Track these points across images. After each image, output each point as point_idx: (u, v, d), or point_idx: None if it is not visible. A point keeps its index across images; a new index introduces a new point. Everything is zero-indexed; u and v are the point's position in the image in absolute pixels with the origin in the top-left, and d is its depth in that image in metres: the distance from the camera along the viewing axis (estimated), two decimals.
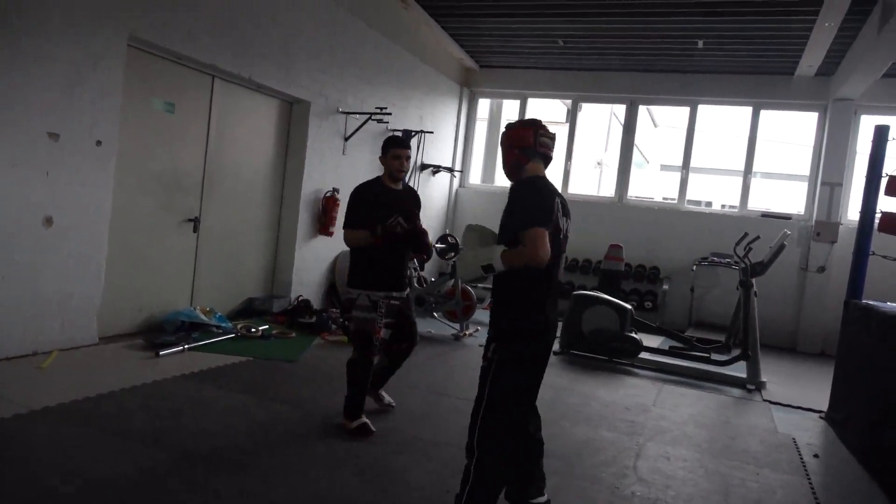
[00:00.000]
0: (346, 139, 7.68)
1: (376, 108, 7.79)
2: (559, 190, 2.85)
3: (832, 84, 8.77)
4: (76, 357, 4.64)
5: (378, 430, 3.85)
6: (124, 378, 4.27)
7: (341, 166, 7.68)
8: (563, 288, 2.53)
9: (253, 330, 5.88)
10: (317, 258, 7.55)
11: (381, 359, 4.14)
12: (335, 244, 7.75)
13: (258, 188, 6.87)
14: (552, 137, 2.86)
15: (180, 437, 3.46)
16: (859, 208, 5.39)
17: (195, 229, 6.01)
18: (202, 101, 5.96)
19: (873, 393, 4.33)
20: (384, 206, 3.88)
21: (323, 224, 7.39)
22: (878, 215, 5.26)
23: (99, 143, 4.81)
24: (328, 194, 7.42)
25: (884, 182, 5.19)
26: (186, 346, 5.13)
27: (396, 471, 3.34)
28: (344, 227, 3.93)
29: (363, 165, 8.14)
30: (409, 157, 4.04)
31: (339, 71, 7.40)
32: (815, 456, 4.33)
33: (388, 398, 4.32)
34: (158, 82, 5.49)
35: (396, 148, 3.97)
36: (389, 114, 7.87)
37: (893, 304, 4.87)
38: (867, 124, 8.21)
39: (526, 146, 2.77)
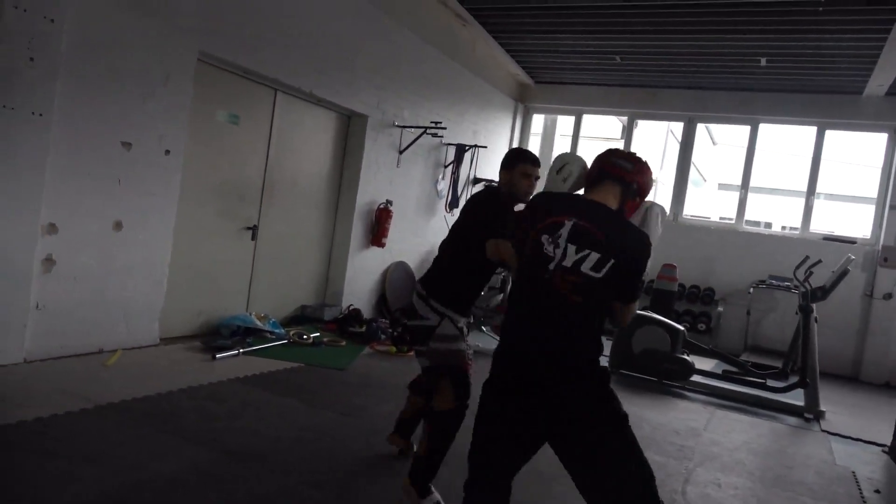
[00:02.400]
0: (401, 152, 7.81)
1: (431, 122, 7.90)
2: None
3: None
4: (138, 356, 4.85)
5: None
6: (182, 379, 4.44)
7: (395, 179, 7.81)
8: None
9: (305, 337, 6.01)
10: (368, 269, 7.68)
11: (413, 401, 3.57)
12: (386, 255, 7.87)
13: (314, 198, 7.05)
14: (631, 160, 2.46)
15: (233, 438, 3.58)
16: None
17: (253, 237, 6.21)
18: (265, 114, 6.18)
19: None
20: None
21: (375, 235, 7.52)
22: None
23: (168, 152, 5.04)
24: (381, 206, 7.54)
25: None
26: (241, 351, 5.29)
27: (440, 483, 3.36)
28: (488, 236, 2.93)
29: (416, 178, 8.27)
30: (539, 178, 3.17)
31: (396, 86, 7.55)
32: (877, 491, 4.14)
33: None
34: (224, 95, 5.72)
35: (527, 164, 3.12)
36: (444, 128, 7.97)
37: None
38: None
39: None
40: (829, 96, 8.92)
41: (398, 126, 7.68)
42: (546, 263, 2.12)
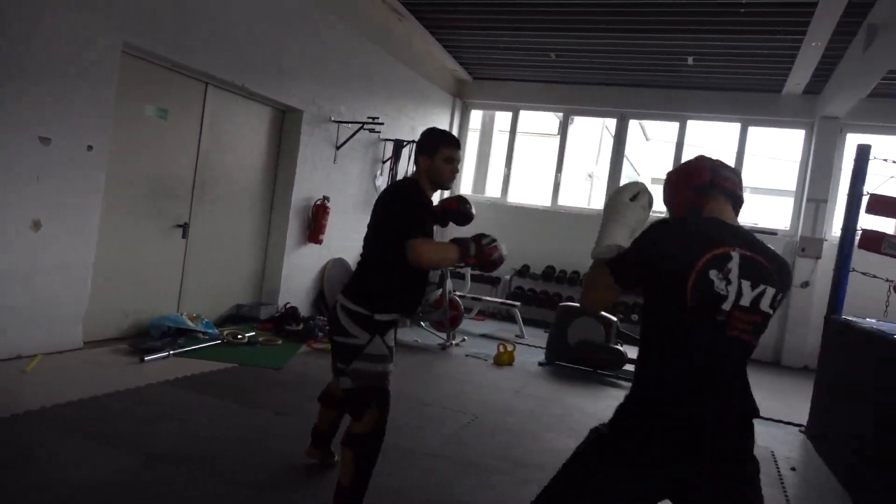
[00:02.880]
0: (338, 148, 7.73)
1: (368, 117, 7.86)
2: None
3: (819, 102, 8.91)
4: (60, 361, 4.64)
5: None
6: (108, 383, 4.28)
7: (332, 175, 7.73)
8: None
9: (239, 336, 5.89)
10: (305, 266, 7.58)
11: (326, 414, 3.37)
12: (324, 252, 7.79)
13: (248, 195, 6.90)
14: (738, 173, 2.03)
15: (164, 441, 3.48)
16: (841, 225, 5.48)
17: (184, 235, 6.03)
18: (195, 108, 6.00)
19: (851, 408, 4.39)
20: (430, 219, 2.90)
21: (312, 232, 7.43)
22: (858, 232, 5.34)
23: (90, 148, 4.84)
24: (318, 202, 7.45)
25: (865, 200, 5.28)
26: (172, 352, 5.14)
27: (375, 479, 3.36)
28: (411, 238, 2.61)
29: (354, 174, 8.21)
30: (461, 161, 3.00)
31: (331, 80, 7.46)
32: (793, 469, 4.38)
33: (337, 454, 3.17)
34: (152, 88, 5.53)
35: (449, 147, 2.81)
36: (381, 123, 7.94)
37: (872, 320, 4.95)
38: (853, 142, 8.32)
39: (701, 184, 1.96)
40: (751, 94, 9.33)
41: (335, 121, 7.60)
42: (719, 304, 1.75)
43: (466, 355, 6.90)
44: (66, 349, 4.87)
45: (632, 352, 6.69)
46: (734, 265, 1.76)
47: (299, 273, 7.49)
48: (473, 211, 3.19)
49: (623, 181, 10.58)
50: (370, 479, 2.76)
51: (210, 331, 5.81)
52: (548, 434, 4.50)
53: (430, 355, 6.71)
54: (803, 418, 5.47)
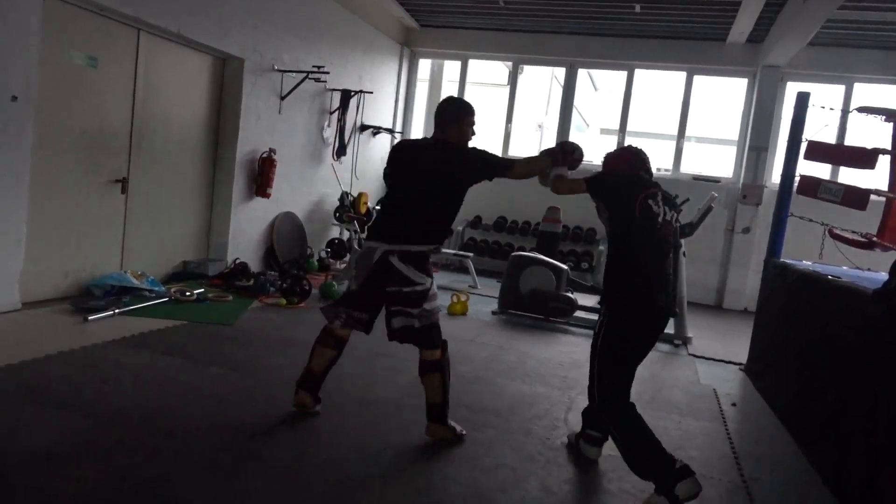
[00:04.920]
0: (283, 98, 7.49)
1: (313, 66, 7.61)
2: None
3: (761, 51, 9.06)
4: None
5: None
6: (50, 344, 4.13)
7: (278, 126, 7.50)
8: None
9: (187, 293, 5.75)
10: (254, 220, 7.41)
11: (323, 354, 3.49)
12: (272, 206, 7.62)
13: (191, 148, 6.65)
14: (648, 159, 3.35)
15: (112, 403, 3.40)
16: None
17: (123, 190, 5.79)
18: (127, 56, 5.68)
19: (786, 345, 4.62)
20: None
21: (259, 186, 7.24)
22: (797, 179, 5.52)
23: (14, 98, 4.54)
24: (264, 155, 7.24)
25: (803, 147, 5.44)
26: (116, 311, 4.99)
27: (333, 430, 3.38)
28: (514, 164, 3.39)
29: (301, 125, 7.99)
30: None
31: (273, 27, 7.17)
32: (733, 405, 4.61)
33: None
34: (79, 35, 5.19)
35: (470, 116, 3.39)
36: (327, 73, 7.71)
37: (808, 262, 5.17)
38: (793, 91, 8.53)
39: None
40: (697, 43, 9.41)
41: (278, 70, 7.33)
42: (655, 218, 3.00)
43: None
44: (2, 311, 4.67)
45: (582, 299, 6.87)
46: (660, 198, 3.06)
47: (248, 228, 7.32)
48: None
49: (573, 132, 10.63)
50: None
51: (156, 288, 5.66)
52: (500, 380, 4.59)
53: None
54: (743, 357, 5.74)
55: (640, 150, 3.36)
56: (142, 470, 2.73)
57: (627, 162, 3.30)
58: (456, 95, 10.67)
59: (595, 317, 6.80)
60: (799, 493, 3.22)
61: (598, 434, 3.31)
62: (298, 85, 7.53)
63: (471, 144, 3.42)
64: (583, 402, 4.28)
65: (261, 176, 7.23)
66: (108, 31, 5.45)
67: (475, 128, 3.44)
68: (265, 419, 3.41)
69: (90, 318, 4.76)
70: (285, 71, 7.40)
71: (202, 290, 6.00)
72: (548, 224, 9.03)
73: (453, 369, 3.78)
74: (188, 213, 6.75)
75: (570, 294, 6.68)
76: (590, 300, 7.36)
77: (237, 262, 6.85)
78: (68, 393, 3.47)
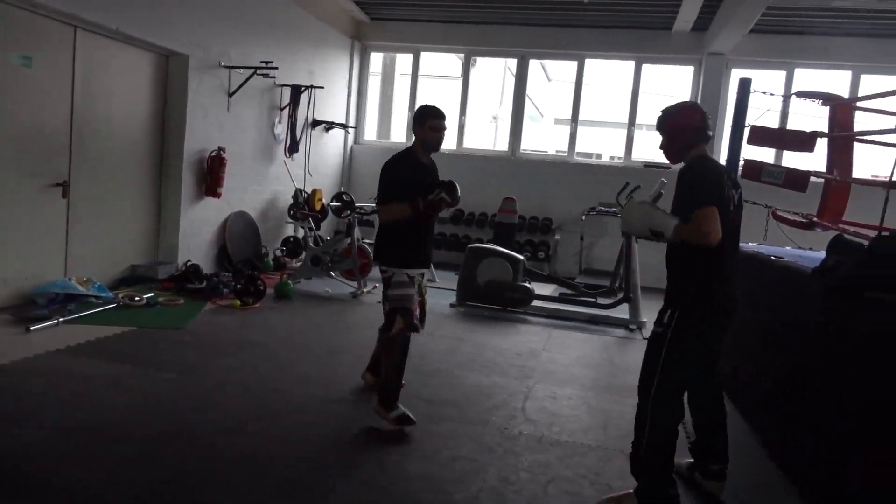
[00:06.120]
0: (231, 95, 7.33)
1: (261, 61, 7.47)
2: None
3: (706, 39, 9.25)
4: None
5: (271, 392, 3.82)
6: None
7: (226, 124, 7.34)
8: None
9: (136, 298, 5.60)
10: (205, 221, 7.25)
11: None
12: (224, 206, 7.47)
13: (136, 148, 6.45)
14: (710, 119, 2.98)
15: (58, 414, 3.29)
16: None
17: (64, 194, 5.59)
18: (64, 55, 5.48)
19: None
20: (420, 181, 3.57)
21: (209, 185, 7.07)
22: (741, 163, 5.66)
23: None
24: (213, 153, 7.08)
25: (746, 132, 5.58)
26: (61, 319, 4.83)
27: (288, 432, 3.34)
28: (379, 204, 3.61)
29: (250, 122, 7.84)
30: (446, 129, 3.68)
31: (218, 23, 7.00)
32: None
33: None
34: (11, 33, 4.98)
35: (435, 119, 3.58)
36: (276, 68, 7.57)
37: (753, 244, 5.31)
38: (737, 77, 8.74)
39: (697, 131, 2.87)
40: (644, 32, 9.56)
41: (225, 66, 7.17)
42: (729, 206, 2.80)
43: (378, 302, 6.88)
44: None
45: (539, 288, 6.92)
46: (728, 180, 2.82)
47: (199, 229, 7.16)
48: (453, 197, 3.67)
49: (527, 122, 10.70)
50: (400, 378, 3.57)
51: (104, 294, 5.50)
52: (459, 371, 4.60)
53: (342, 304, 6.66)
54: None
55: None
56: (92, 479, 2.65)
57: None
58: (409, 88, 10.66)
59: (553, 305, 6.89)
60: (746, 466, 3.31)
61: (717, 466, 3.05)
62: (246, 81, 7.38)
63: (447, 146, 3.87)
64: (541, 389, 4.33)
65: (210, 175, 7.07)
66: (43, 29, 5.23)
67: (442, 133, 3.63)
68: (218, 422, 3.35)
69: (32, 328, 4.59)
70: (232, 67, 7.24)
71: (152, 294, 5.85)
72: (504, 215, 9.09)
73: (411, 362, 3.78)
74: (135, 216, 6.56)
75: (527, 284, 6.73)
76: (547, 289, 7.45)
77: (188, 263, 6.69)
78: (12, 405, 3.35)
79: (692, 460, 3.15)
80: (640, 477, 2.78)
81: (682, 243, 2.73)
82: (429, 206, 3.51)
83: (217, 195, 7.13)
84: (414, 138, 3.70)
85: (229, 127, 7.39)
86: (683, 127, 2.88)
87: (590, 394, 4.35)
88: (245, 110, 7.67)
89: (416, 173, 3.60)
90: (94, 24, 5.56)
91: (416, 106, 10.42)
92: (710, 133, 2.92)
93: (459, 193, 3.65)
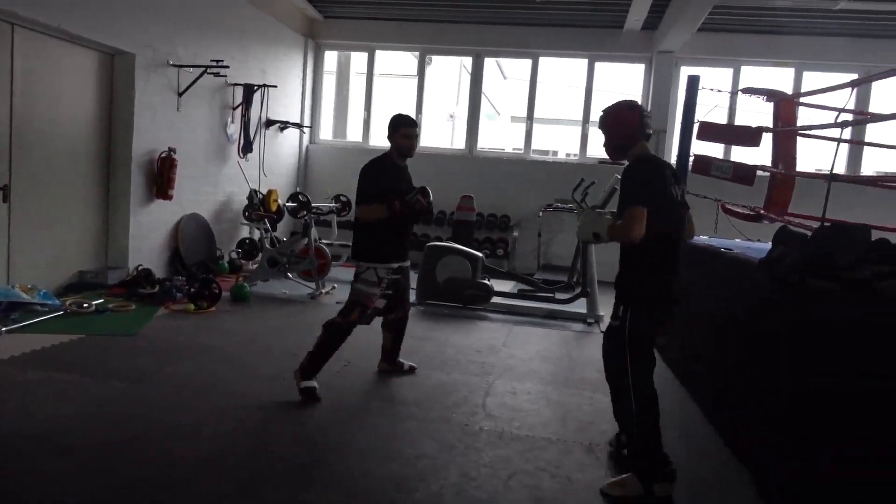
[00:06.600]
0: (180, 94, 7.16)
1: (212, 60, 7.31)
2: None
3: (656, 38, 9.44)
4: None
5: (229, 395, 3.75)
6: None
7: (177, 124, 7.17)
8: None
9: (85, 305, 5.43)
10: (156, 224, 7.07)
11: (385, 336, 4.43)
12: (176, 208, 7.30)
13: (82, 150, 6.25)
14: (650, 116, 3.07)
15: (2, 424, 3.15)
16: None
17: (5, 199, 5.38)
18: (1, 54, 5.26)
19: (686, 316, 4.85)
20: (395, 183, 3.96)
21: (160, 187, 6.89)
22: (692, 158, 5.80)
23: None
24: (163, 154, 6.91)
25: (696, 127, 5.72)
26: (4, 329, 4.64)
27: (248, 434, 3.28)
28: (357, 204, 3.95)
29: (202, 122, 7.68)
30: (418, 136, 4.10)
31: (166, 20, 6.83)
32: None
33: (407, 363, 4.54)
34: None
35: (407, 127, 3.99)
36: (227, 67, 7.42)
37: (703, 237, 5.45)
38: (686, 75, 8.95)
39: (634, 129, 2.96)
40: (596, 30, 9.70)
41: (174, 65, 7.00)
42: (675, 202, 2.95)
43: (337, 303, 6.79)
44: None
45: (498, 285, 6.96)
46: (670, 177, 2.93)
47: (150, 232, 6.97)
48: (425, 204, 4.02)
49: (483, 120, 10.75)
50: (325, 359, 3.90)
51: (50, 301, 5.31)
52: (421, 370, 4.58)
53: (300, 306, 6.58)
54: None
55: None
56: (33, 493, 2.55)
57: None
58: (364, 87, 10.58)
59: (512, 301, 6.94)
60: (703, 457, 3.39)
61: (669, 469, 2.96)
62: (196, 80, 7.21)
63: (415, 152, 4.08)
64: (501, 385, 4.36)
65: (161, 177, 6.89)
66: None
67: (415, 140, 4.02)
68: (173, 427, 3.27)
69: None
70: (181, 66, 7.07)
71: (101, 300, 5.67)
72: (462, 213, 9.12)
73: (371, 363, 3.76)
74: (82, 220, 6.35)
75: (486, 281, 6.76)
76: (506, 286, 7.49)
77: (140, 268, 6.51)
78: None
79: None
80: (638, 459, 2.93)
81: (624, 245, 2.93)
82: (405, 207, 3.84)
83: (168, 197, 6.96)
84: (390, 145, 4.07)
85: (180, 127, 7.22)
86: (621, 125, 2.99)
87: (549, 388, 4.39)
88: (196, 110, 7.50)
89: (392, 176, 3.97)
90: (33, 22, 5.36)
91: (371, 105, 10.52)
92: (649, 131, 3.02)
93: (431, 198, 4.01)
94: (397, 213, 3.83)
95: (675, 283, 2.99)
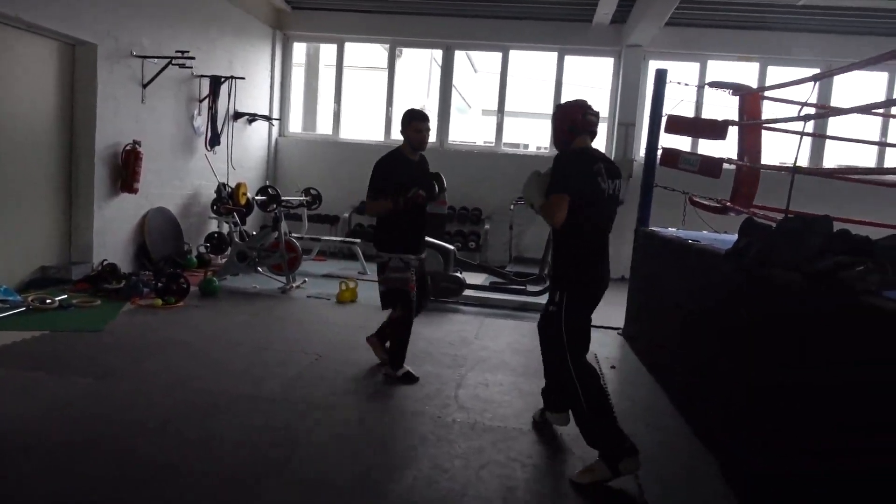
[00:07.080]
0: (145, 86, 7.00)
1: (177, 51, 7.16)
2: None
3: (624, 32, 9.52)
4: None
5: (197, 392, 3.70)
6: None
7: (141, 116, 7.02)
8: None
9: (48, 301, 5.29)
10: (122, 218, 6.92)
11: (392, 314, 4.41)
12: (142, 202, 7.16)
13: (42, 143, 6.08)
14: (597, 115, 3.23)
15: None
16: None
17: None
18: None
19: (656, 308, 4.93)
20: (405, 176, 4.10)
21: (125, 180, 6.75)
22: (660, 151, 5.87)
23: None
24: (128, 147, 6.76)
25: (664, 121, 5.79)
26: None
27: (216, 431, 3.24)
28: (367, 199, 4.18)
29: (168, 114, 7.53)
30: (429, 130, 4.23)
31: (129, 10, 6.66)
32: (613, 367, 4.86)
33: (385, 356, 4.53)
34: None
35: (418, 121, 4.16)
36: (192, 58, 7.28)
37: (672, 229, 5.53)
38: (654, 69, 9.05)
39: (574, 124, 3.16)
40: (566, 24, 9.74)
41: (137, 56, 6.84)
42: (602, 195, 3.09)
43: (308, 297, 6.78)
44: None
45: (470, 278, 6.98)
46: (602, 171, 3.06)
47: (115, 227, 6.82)
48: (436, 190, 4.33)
49: (454, 113, 10.73)
50: (405, 347, 4.25)
51: (11, 298, 5.18)
52: None
53: (271, 300, 6.51)
54: (621, 322, 6.06)
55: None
56: None
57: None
58: (334, 79, 10.48)
59: (484, 294, 6.96)
60: (672, 447, 3.45)
61: (555, 396, 3.46)
62: (161, 71, 7.06)
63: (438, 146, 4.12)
64: (473, 377, 4.38)
65: (126, 170, 6.74)
66: None
67: (426, 133, 4.18)
68: (139, 425, 3.21)
69: None
70: (146, 57, 6.91)
71: (65, 296, 5.54)
72: (434, 206, 9.06)
73: (342, 357, 3.73)
74: (44, 215, 6.18)
75: (458, 274, 6.77)
76: (478, 278, 7.51)
77: (105, 263, 6.37)
78: None
79: (541, 407, 3.61)
80: (597, 442, 2.99)
81: (555, 232, 3.15)
82: (407, 201, 4.02)
83: (134, 191, 6.82)
84: (402, 139, 4.24)
85: (145, 119, 7.07)
86: (564, 121, 3.20)
87: (521, 379, 4.42)
88: (161, 102, 7.35)
89: (402, 170, 4.13)
90: None
91: (342, 98, 10.42)
92: (594, 129, 3.23)
93: (445, 185, 4.30)
94: (400, 207, 4.01)
95: (604, 270, 3.25)
